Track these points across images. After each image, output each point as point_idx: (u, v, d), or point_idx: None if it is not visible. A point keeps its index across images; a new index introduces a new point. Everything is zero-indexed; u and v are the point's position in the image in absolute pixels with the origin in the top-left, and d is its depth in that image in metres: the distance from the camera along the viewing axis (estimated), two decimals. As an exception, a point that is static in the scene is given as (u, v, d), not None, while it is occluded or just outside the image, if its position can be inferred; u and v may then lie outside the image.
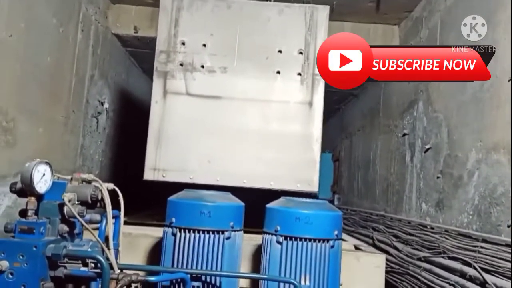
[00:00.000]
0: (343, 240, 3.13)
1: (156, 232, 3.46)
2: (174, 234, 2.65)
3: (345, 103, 9.14)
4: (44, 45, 4.40)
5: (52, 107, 4.69)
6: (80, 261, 2.24)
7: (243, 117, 4.10)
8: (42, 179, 2.17)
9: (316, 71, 4.12)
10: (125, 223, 2.80)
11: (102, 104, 6.12)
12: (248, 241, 3.20)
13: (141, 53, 6.98)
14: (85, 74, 5.51)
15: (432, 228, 4.51)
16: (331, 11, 5.61)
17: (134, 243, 3.38)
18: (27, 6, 4.02)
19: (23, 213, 2.20)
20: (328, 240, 2.60)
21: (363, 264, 3.42)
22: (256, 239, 3.26)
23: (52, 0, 4.50)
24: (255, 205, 3.01)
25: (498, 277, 3.25)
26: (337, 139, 9.69)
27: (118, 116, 6.89)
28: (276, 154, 4.04)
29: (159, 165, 4.00)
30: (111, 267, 2.24)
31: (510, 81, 3.42)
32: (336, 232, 2.66)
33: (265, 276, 2.59)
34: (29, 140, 4.17)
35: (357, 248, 4.09)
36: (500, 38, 3.59)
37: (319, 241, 2.58)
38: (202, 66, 4.14)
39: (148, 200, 6.09)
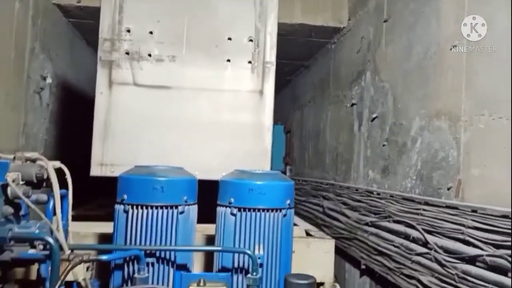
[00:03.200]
0: (296, 225, 3.21)
1: (107, 228, 3.39)
2: (126, 211, 2.62)
3: (296, 75, 9.20)
4: (-24, 17, 4.10)
5: (-10, 83, 4.42)
6: (27, 244, 2.18)
7: (193, 108, 4.03)
8: (-18, 159, 2.07)
9: (267, 59, 4.13)
10: (72, 218, 2.69)
11: (44, 79, 5.82)
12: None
13: (85, 24, 6.64)
14: (25, 47, 5.20)
15: (378, 194, 4.71)
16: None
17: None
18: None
19: (-38, 196, 2.10)
20: (281, 210, 2.66)
21: (313, 250, 3.56)
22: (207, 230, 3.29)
23: (-17, -34, 4.18)
24: (207, 199, 3.00)
25: (438, 237, 3.46)
26: (289, 110, 9.79)
27: (62, 91, 6.59)
28: (228, 145, 4.02)
29: (106, 160, 3.87)
30: (61, 248, 2.20)
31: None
32: (288, 201, 2.73)
33: (220, 248, 2.63)
34: (-35, 118, 3.94)
35: (308, 234, 4.22)
36: (445, 8, 3.71)
37: (272, 210, 2.64)
38: (150, 55, 4.01)
39: (96, 188, 5.94)
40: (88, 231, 3.31)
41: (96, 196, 5.73)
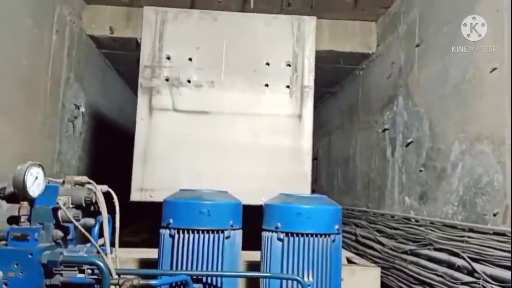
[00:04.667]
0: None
1: (146, 254, 3.37)
2: (172, 236, 2.58)
3: (322, 101, 9.20)
4: (19, 47, 4.23)
5: (29, 111, 4.51)
6: (76, 268, 2.15)
7: (232, 132, 4.04)
8: (35, 182, 2.07)
9: (305, 83, 4.14)
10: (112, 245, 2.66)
11: (78, 108, 5.94)
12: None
13: (117, 54, 6.83)
14: (61, 76, 5.34)
15: (416, 220, 4.57)
16: (310, 8, 5.66)
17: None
18: (2, 6, 3.85)
19: (15, 219, 2.09)
20: (329, 235, 2.58)
21: (358, 278, 3.45)
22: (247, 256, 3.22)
23: (27, 0, 4.33)
24: (246, 224, 2.94)
25: (487, 265, 3.31)
26: (315, 138, 9.72)
27: (94, 120, 6.71)
28: (266, 169, 3.99)
29: (146, 185, 3.89)
30: (109, 273, 2.16)
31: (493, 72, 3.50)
32: (337, 226, 2.65)
33: (268, 274, 2.55)
34: (6, 145, 4.00)
35: (349, 261, 4.10)
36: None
37: (321, 236, 2.56)
38: (189, 81, 4.06)
39: (130, 214, 5.94)
40: (127, 256, 3.27)
41: (130, 223, 5.72)
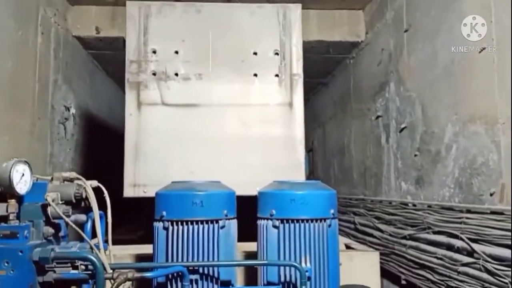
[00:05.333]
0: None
1: (142, 250, 3.34)
2: (166, 228, 2.54)
3: (314, 93, 9.18)
4: (3, 49, 4.16)
5: (17, 114, 4.45)
6: (69, 264, 2.11)
7: (223, 124, 4.01)
8: (22, 179, 2.03)
9: (294, 71, 4.10)
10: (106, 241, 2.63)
11: (68, 109, 5.88)
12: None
13: (104, 54, 6.76)
14: (48, 79, 5.27)
15: (414, 205, 4.56)
16: (296, -2, 5.62)
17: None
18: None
19: (3, 218, 2.05)
20: (325, 219, 2.55)
21: (357, 263, 3.44)
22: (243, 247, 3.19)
23: (9, 1, 4.26)
24: (243, 216, 2.91)
25: (486, 245, 3.30)
26: (309, 129, 9.72)
27: (85, 121, 6.65)
28: (260, 159, 3.96)
29: (139, 180, 3.85)
30: (103, 268, 2.12)
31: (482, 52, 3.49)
32: (332, 211, 2.62)
33: (266, 262, 2.52)
34: (-6, 150, 3.95)
35: (348, 247, 4.07)
36: (469, 11, 3.65)
37: (316, 221, 2.53)
38: (176, 74, 4.03)
39: (126, 212, 5.90)
40: (123, 253, 3.23)
41: (126, 222, 5.67)
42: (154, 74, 3.98)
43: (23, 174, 2.05)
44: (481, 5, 3.53)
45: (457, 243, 3.64)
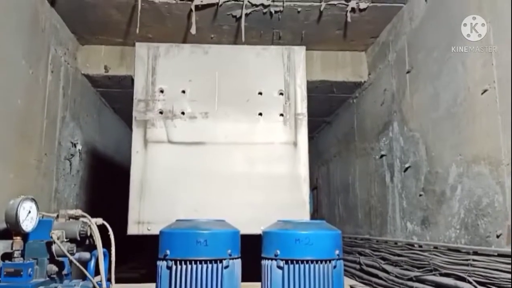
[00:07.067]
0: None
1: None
2: (170, 267, 2.51)
3: (318, 131, 9.24)
4: (14, 87, 4.27)
5: (24, 150, 4.50)
6: (71, 304, 2.09)
7: (227, 162, 4.05)
8: (28, 216, 2.05)
9: (298, 111, 4.18)
10: (109, 280, 2.61)
11: (74, 145, 5.95)
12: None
13: (112, 92, 6.90)
14: (57, 115, 5.36)
15: (420, 246, 4.50)
16: (300, 40, 5.78)
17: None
18: (-4, 48, 3.92)
19: (8, 255, 2.04)
20: (330, 261, 2.53)
21: None
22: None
23: (20, 41, 4.40)
24: (247, 255, 2.89)
25: (494, 289, 3.24)
26: (314, 167, 9.73)
27: (91, 158, 6.71)
28: (264, 197, 3.98)
29: (143, 218, 3.86)
30: (106, 308, 2.10)
31: (484, 94, 3.54)
32: (337, 252, 2.60)
33: (270, 304, 2.48)
34: (0, 185, 3.96)
35: (353, 289, 4.02)
36: (471, 53, 3.72)
37: (321, 262, 2.51)
38: (183, 113, 4.11)
39: (129, 250, 5.85)
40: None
41: (129, 260, 5.61)
42: (161, 112, 4.06)
43: (29, 212, 2.06)
44: (482, 46, 3.60)
45: (465, 286, 3.56)
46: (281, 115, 4.15)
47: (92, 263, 2.40)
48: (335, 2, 4.95)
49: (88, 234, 2.26)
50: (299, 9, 5.05)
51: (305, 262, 2.50)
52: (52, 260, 2.12)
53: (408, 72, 4.98)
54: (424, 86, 4.58)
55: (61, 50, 5.48)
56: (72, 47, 5.89)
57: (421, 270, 4.33)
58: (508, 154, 3.25)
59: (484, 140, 3.55)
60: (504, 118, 3.31)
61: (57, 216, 2.28)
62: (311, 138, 9.71)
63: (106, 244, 2.40)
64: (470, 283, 3.47)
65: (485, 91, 3.53)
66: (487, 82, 3.51)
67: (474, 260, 3.50)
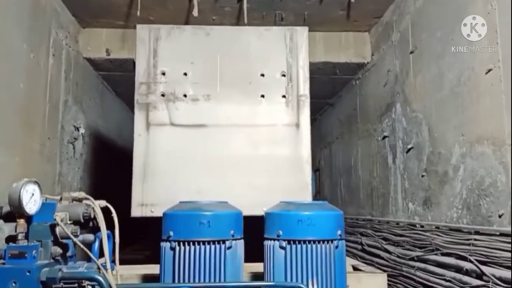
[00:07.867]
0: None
1: (149, 270, 3.34)
2: (173, 248, 2.55)
3: (320, 113, 9.22)
4: (16, 71, 4.26)
5: (27, 134, 4.52)
6: (76, 284, 2.11)
7: (230, 144, 4.04)
8: (31, 199, 2.05)
9: (301, 92, 4.15)
10: (113, 261, 2.64)
11: (77, 129, 5.96)
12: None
13: (114, 76, 6.88)
14: (59, 99, 5.36)
15: (422, 226, 4.52)
16: (303, 21, 5.71)
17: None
18: (-3, 31, 3.90)
19: (13, 238, 2.06)
20: (332, 241, 2.55)
21: (365, 285, 3.40)
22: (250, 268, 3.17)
23: (22, 25, 4.37)
24: (250, 236, 2.90)
25: (495, 267, 3.26)
26: (316, 149, 9.74)
27: (94, 141, 6.73)
28: (267, 179, 3.97)
29: (146, 200, 3.87)
30: (110, 288, 2.12)
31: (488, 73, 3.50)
32: (339, 232, 2.61)
33: (272, 283, 2.51)
34: (5, 170, 3.99)
35: (355, 268, 4.04)
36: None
37: (323, 242, 2.53)
38: (185, 95, 4.09)
39: (133, 232, 5.89)
40: (130, 273, 3.23)
41: (133, 242, 5.67)
42: (163, 95, 4.04)
43: (32, 194, 2.06)
44: (488, 26, 3.56)
45: (466, 265, 3.60)
46: (284, 96, 4.12)
47: (96, 245, 2.43)
48: (338, -18, 4.87)
49: (92, 216, 2.27)
50: (302, -11, 4.99)
51: (307, 242, 2.53)
52: (56, 242, 2.13)
53: (411, 52, 4.93)
54: (428, 66, 4.54)
55: (62, 33, 5.45)
56: (73, 30, 5.85)
57: (422, 250, 4.37)
58: (508, 135, 3.24)
59: (487, 120, 3.53)
60: (508, 98, 3.29)
61: (61, 199, 2.28)
62: (313, 120, 9.67)
63: (110, 226, 2.41)
64: (472, 262, 3.50)
65: (489, 70, 3.50)
66: (491, 61, 3.48)
67: (475, 239, 3.52)
